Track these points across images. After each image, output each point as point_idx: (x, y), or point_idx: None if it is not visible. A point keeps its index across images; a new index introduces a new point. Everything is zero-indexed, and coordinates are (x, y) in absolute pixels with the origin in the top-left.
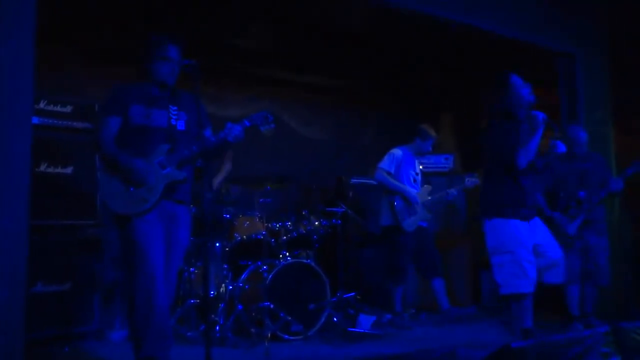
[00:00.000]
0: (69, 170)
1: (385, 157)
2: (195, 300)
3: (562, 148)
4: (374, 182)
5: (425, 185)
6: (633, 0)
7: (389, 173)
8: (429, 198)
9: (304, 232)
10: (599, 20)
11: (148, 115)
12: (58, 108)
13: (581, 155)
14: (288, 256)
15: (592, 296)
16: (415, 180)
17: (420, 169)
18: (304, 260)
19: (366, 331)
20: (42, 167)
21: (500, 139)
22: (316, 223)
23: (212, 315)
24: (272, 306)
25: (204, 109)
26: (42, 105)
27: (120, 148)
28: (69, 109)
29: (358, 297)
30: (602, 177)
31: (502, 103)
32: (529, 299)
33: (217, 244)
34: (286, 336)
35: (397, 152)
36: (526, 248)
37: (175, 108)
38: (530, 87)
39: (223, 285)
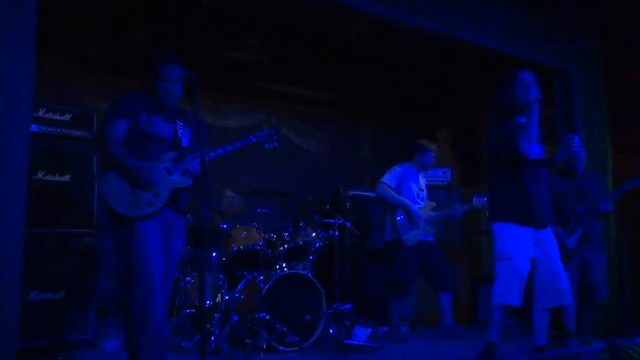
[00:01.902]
0: (66, 178)
1: (387, 172)
2: (190, 310)
3: (578, 147)
4: (372, 195)
5: (429, 202)
6: (630, 19)
7: (390, 187)
8: (432, 214)
9: (301, 243)
10: (595, 38)
11: (156, 124)
12: (57, 116)
13: (579, 172)
14: (285, 267)
15: (588, 313)
16: (419, 196)
17: (426, 185)
18: (301, 272)
19: (362, 343)
20: (40, 175)
21: (500, 134)
22: (313, 234)
23: (208, 326)
24: (267, 317)
25: (205, 131)
26: (41, 113)
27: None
28: (67, 117)
29: (354, 309)
30: (599, 195)
31: (504, 100)
32: (504, 313)
33: (214, 254)
34: (282, 347)
35: (397, 168)
36: (523, 257)
37: (181, 124)
38: (536, 86)
39: (219, 295)
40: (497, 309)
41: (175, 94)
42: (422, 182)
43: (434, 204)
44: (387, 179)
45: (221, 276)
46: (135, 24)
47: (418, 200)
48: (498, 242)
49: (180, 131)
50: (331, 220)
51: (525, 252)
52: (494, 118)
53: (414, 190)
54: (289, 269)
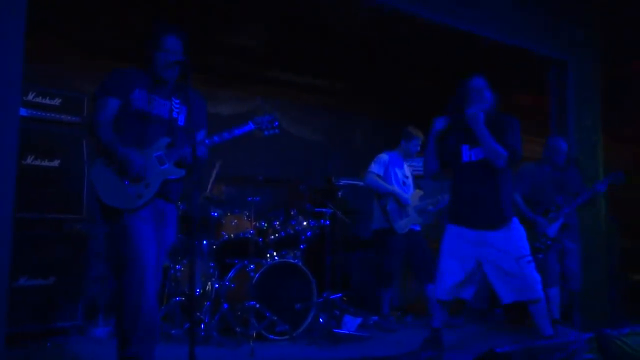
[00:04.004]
0: (55, 163)
1: (374, 161)
2: (180, 298)
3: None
4: (362, 184)
5: (416, 190)
6: (625, 11)
7: (378, 176)
8: (419, 203)
9: (292, 232)
10: (591, 29)
11: (150, 101)
12: (47, 100)
13: (560, 164)
14: (275, 256)
15: (564, 299)
16: (404, 184)
17: (411, 174)
18: (291, 260)
19: (352, 332)
20: (29, 160)
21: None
22: (304, 223)
23: (198, 314)
24: (258, 305)
25: (205, 109)
26: (30, 97)
27: (117, 134)
28: (57, 101)
29: (344, 298)
30: (577, 188)
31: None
32: (439, 305)
33: (205, 242)
34: (271, 336)
35: (384, 156)
36: (452, 255)
37: (177, 101)
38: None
39: (209, 283)
40: (433, 300)
41: (175, 67)
42: (407, 170)
43: (421, 192)
44: (375, 167)
45: (211, 264)
46: (129, 7)
47: (404, 188)
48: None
49: (177, 110)
50: (323, 209)
51: (457, 251)
52: None
53: (400, 177)
54: (279, 257)
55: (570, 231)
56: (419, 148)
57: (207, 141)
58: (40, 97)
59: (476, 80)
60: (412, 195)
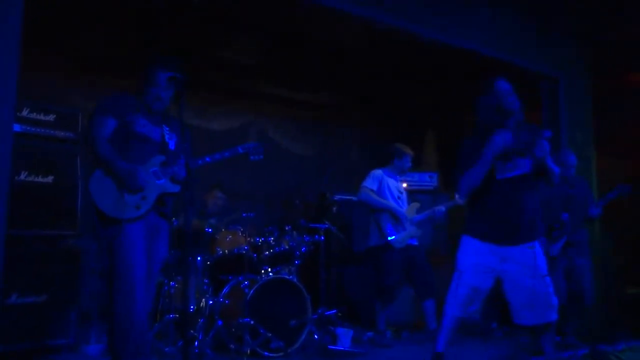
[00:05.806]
0: (49, 179)
1: (367, 177)
2: (174, 315)
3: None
4: (356, 199)
5: (412, 203)
6: (615, 27)
7: (372, 191)
8: (417, 215)
9: (287, 247)
10: (582, 46)
11: (144, 125)
12: (41, 116)
13: (568, 179)
14: (270, 272)
15: (574, 317)
16: (399, 198)
17: (405, 188)
18: (286, 276)
19: (347, 349)
20: (22, 176)
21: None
22: (299, 239)
23: (191, 331)
24: (252, 322)
25: (189, 137)
26: (24, 113)
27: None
28: (51, 117)
29: (339, 314)
30: (585, 201)
31: (481, 113)
32: (450, 322)
33: (198, 258)
34: (266, 353)
35: (377, 171)
36: (476, 273)
37: (167, 128)
38: (512, 96)
39: (203, 299)
40: (444, 316)
41: (165, 101)
42: (400, 185)
43: (417, 204)
44: (369, 182)
45: (205, 280)
46: (123, 23)
47: (399, 203)
48: (458, 254)
49: (167, 135)
50: (317, 225)
51: (480, 267)
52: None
53: (395, 192)
54: (274, 273)
55: (579, 247)
56: (410, 164)
57: (199, 161)
58: (35, 113)
59: (502, 83)
60: (409, 209)
